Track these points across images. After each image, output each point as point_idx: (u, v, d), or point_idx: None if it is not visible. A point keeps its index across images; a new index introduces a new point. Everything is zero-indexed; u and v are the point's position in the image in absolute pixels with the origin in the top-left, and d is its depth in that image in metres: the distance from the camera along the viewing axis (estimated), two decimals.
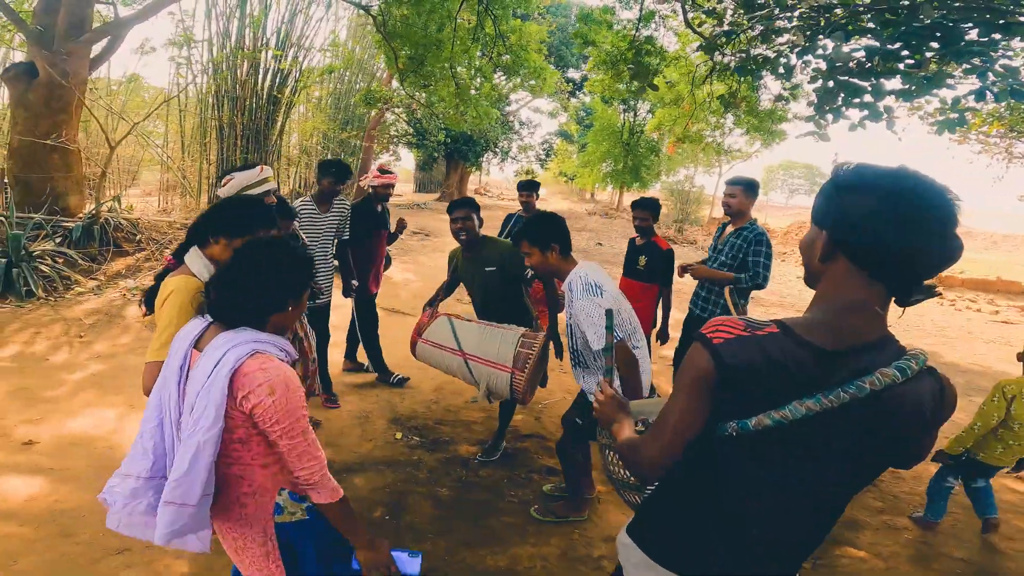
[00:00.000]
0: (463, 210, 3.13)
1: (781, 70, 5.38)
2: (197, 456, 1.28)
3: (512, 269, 3.12)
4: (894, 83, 4.70)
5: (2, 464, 2.98)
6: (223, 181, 2.50)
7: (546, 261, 2.46)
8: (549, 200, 34.30)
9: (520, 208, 4.80)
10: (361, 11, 7.87)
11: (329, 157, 14.38)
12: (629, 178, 22.68)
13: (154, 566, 2.32)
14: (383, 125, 19.02)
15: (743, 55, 5.19)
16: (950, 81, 4.36)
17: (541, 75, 8.11)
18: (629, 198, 31.36)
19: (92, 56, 7.87)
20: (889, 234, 0.92)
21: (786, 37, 4.60)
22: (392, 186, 4.12)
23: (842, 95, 4.92)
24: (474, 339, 2.92)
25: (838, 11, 4.73)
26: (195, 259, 1.80)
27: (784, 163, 58.80)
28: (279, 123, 11.27)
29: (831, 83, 4.96)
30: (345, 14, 13.11)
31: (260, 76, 10.56)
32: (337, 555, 1.57)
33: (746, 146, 22.87)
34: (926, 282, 1.02)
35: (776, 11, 4.80)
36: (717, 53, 5.51)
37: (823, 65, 4.98)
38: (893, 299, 1.00)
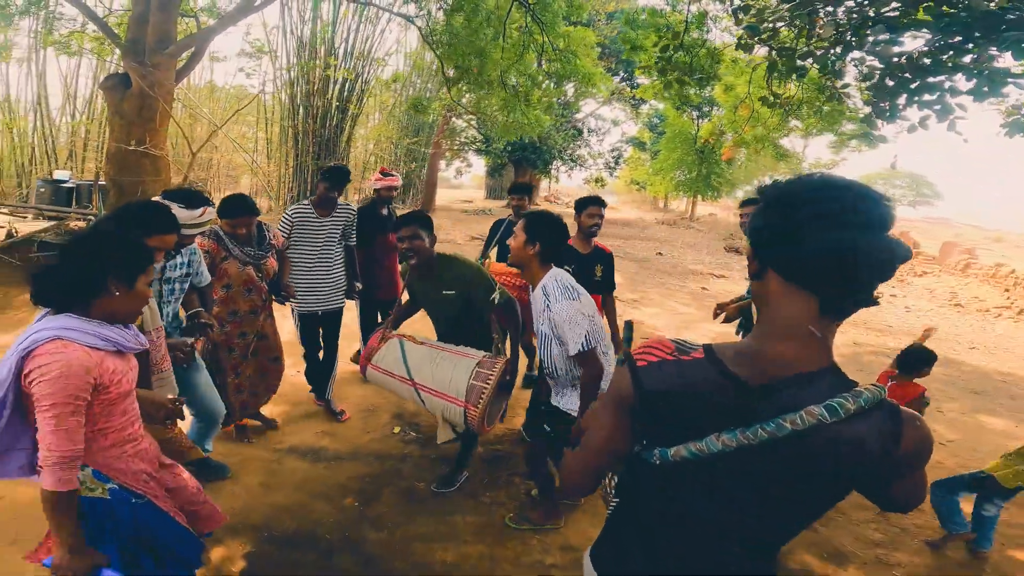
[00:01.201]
0: (408, 227, 2.76)
1: (829, 68, 5.05)
2: None
3: (475, 295, 2.82)
4: (956, 79, 4.30)
5: None
6: (163, 201, 2.43)
7: (524, 252, 2.37)
8: (620, 209, 33.74)
9: (511, 214, 4.54)
10: (409, 20, 8.16)
11: (400, 163, 15.02)
12: (703, 187, 21.96)
13: None
14: (452, 131, 19.55)
15: (783, 52, 4.90)
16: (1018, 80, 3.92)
17: (591, 80, 8.05)
18: (702, 208, 30.31)
19: (178, 67, 8.67)
20: (808, 235, 0.87)
21: (827, 32, 4.29)
22: (394, 188, 4.14)
23: (904, 95, 4.56)
24: (425, 366, 2.66)
25: (888, 4, 4.36)
26: None
27: (884, 172, 54.52)
28: (347, 130, 11.90)
29: (889, 81, 4.60)
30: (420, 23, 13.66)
31: (330, 85, 11.21)
32: (143, 549, 1.64)
33: (832, 153, 21.44)
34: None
35: (818, 5, 4.51)
36: (761, 47, 5.24)
37: (876, 62, 4.62)
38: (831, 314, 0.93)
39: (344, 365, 4.76)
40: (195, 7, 9.15)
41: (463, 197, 29.84)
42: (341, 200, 3.80)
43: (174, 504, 1.80)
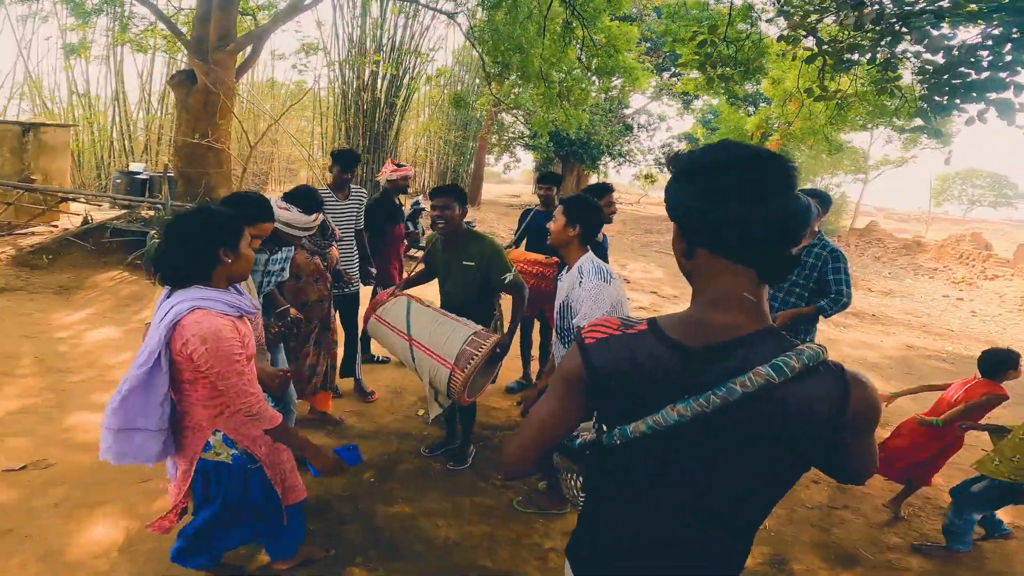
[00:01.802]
0: (443, 198, 2.91)
1: (878, 61, 4.85)
2: (121, 386, 1.59)
3: (492, 271, 2.93)
4: (1020, 75, 4.06)
5: None
6: (283, 204, 2.64)
7: (564, 234, 2.50)
8: None
9: (539, 203, 4.51)
10: (450, 17, 8.30)
11: (447, 157, 15.29)
12: None
13: None
14: (499, 126, 19.69)
15: (830, 45, 4.74)
16: None
17: (632, 75, 7.97)
18: None
19: (238, 64, 9.14)
20: (722, 205, 0.88)
21: (870, 17, 4.13)
22: (407, 178, 4.25)
23: (961, 91, 4.35)
24: (425, 326, 2.82)
25: None
26: None
27: (964, 171, 51.00)
28: (395, 125, 12.23)
29: (944, 75, 4.40)
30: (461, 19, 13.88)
31: (378, 81, 11.56)
32: (235, 510, 1.83)
33: (901, 150, 20.31)
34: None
35: None
36: (806, 38, 5.08)
37: (929, 55, 4.42)
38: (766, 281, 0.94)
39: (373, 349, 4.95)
40: (254, 6, 9.60)
41: (512, 192, 30.00)
42: (361, 188, 3.98)
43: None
